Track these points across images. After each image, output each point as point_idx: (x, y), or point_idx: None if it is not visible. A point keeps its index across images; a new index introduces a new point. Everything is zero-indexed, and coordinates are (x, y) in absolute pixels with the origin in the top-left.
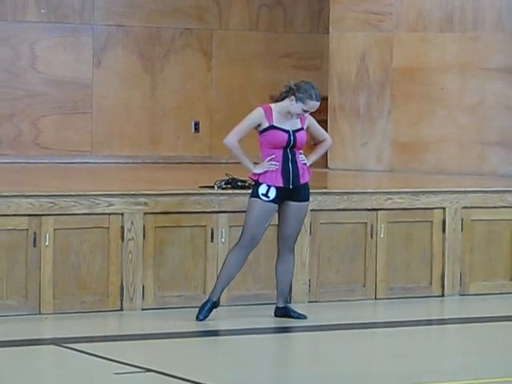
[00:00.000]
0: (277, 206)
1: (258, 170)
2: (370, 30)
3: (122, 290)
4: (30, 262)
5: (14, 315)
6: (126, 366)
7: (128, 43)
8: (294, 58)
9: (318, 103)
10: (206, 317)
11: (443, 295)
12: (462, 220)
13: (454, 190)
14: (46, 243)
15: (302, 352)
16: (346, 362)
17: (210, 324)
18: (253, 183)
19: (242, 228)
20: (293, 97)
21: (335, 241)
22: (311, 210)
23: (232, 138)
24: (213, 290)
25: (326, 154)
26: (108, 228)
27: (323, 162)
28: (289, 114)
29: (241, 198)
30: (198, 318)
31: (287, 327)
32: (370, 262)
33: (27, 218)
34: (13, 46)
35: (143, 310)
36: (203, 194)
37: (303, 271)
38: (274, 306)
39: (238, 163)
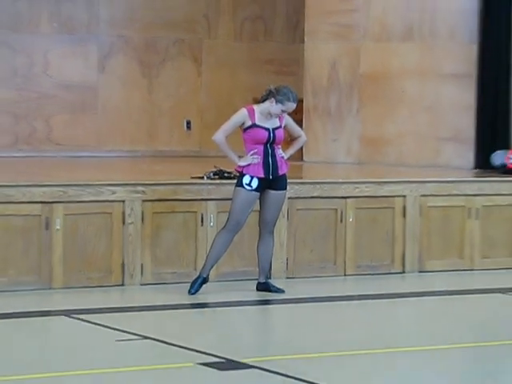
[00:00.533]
0: (258, 194)
1: (242, 163)
2: (340, 40)
3: (124, 267)
4: (43, 243)
5: (28, 290)
6: (127, 334)
7: (128, 51)
8: (273, 64)
9: (295, 104)
10: (197, 291)
11: (404, 272)
12: (420, 206)
13: (413, 180)
14: (57, 227)
15: (281, 321)
16: (320, 330)
17: (200, 297)
18: (237, 174)
19: (228, 214)
20: (273, 99)
21: (309, 225)
22: (288, 198)
23: (219, 135)
24: (203, 268)
25: (302, 148)
26: (111, 213)
27: (299, 155)
28: (269, 114)
29: (227, 188)
30: (189, 292)
31: (268, 300)
32: (339, 243)
33: (40, 204)
34: (28, 54)
35: (142, 285)
36: (194, 183)
37: (281, 251)
38: (256, 282)
39: (225, 157)
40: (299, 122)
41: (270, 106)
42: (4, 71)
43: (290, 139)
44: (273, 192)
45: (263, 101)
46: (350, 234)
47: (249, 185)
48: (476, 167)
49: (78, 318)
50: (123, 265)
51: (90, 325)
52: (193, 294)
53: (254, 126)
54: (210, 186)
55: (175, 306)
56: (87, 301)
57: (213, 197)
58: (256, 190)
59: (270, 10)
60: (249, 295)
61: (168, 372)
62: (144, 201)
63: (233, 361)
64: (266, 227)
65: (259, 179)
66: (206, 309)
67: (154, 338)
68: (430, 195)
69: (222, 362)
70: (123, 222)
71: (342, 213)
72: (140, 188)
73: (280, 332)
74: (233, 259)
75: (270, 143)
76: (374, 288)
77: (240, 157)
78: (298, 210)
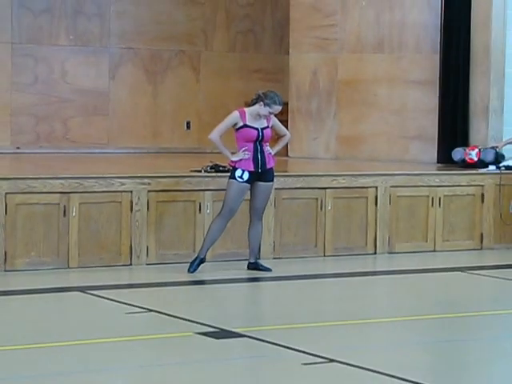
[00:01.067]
0: (249, 185)
1: (235, 158)
2: (320, 51)
3: (131, 249)
4: (61, 228)
5: (48, 269)
6: (134, 308)
7: (136, 61)
8: (262, 72)
9: (281, 107)
10: (195, 270)
11: (375, 253)
12: (390, 196)
13: (383, 173)
14: (73, 214)
15: (269, 296)
16: (303, 303)
17: (198, 275)
18: (231, 168)
19: (222, 202)
20: (261, 102)
21: (294, 212)
22: (275, 189)
23: (215, 134)
24: (200, 249)
25: (287, 145)
26: (120, 202)
27: (284, 151)
28: (258, 116)
29: (222, 180)
30: (189, 271)
31: (257, 277)
32: (320, 228)
33: (59, 194)
34: (48, 63)
35: (147, 264)
36: (193, 176)
37: (269, 235)
38: (247, 262)
39: (220, 153)
40: (285, 123)
41: (259, 108)
42: (27, 78)
43: (277, 137)
44: (261, 183)
45: (253, 104)
46: (328, 220)
47: (241, 177)
48: (438, 162)
49: (92, 294)
50: (131, 247)
51: (102, 299)
52: (192, 272)
53: (245, 126)
54: (206, 179)
55: (176, 283)
56: (100, 278)
57: (209, 188)
58: (247, 181)
59: (259, 25)
60: (240, 273)
61: (170, 340)
62: (149, 191)
63: (227, 330)
64: (255, 214)
65: (250, 172)
66: (203, 285)
67: (158, 311)
68: (399, 186)
69: (218, 332)
70: (131, 210)
71: (321, 202)
72: (146, 180)
73: (268, 305)
74: (226, 242)
75: (259, 141)
76: (349, 267)
77: (233, 153)
78: (283, 199)
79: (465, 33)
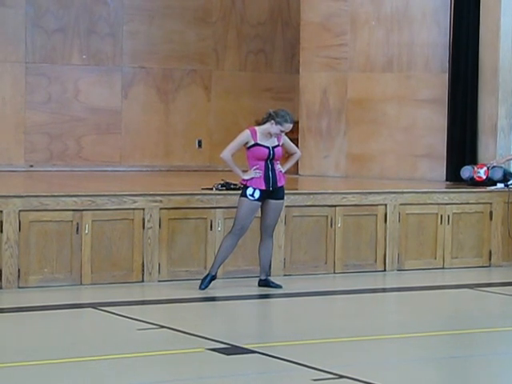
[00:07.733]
0: (260, 203)
1: (246, 177)
2: (330, 70)
3: (143, 266)
4: (74, 245)
5: (61, 285)
6: (146, 324)
7: (148, 80)
8: (273, 91)
9: (292, 125)
10: (206, 287)
11: (385, 270)
12: (399, 213)
13: (393, 191)
14: (86, 231)
15: (279, 313)
16: (313, 319)
17: (209, 292)
18: (242, 186)
19: (233, 220)
20: (273, 121)
21: (304, 229)
22: (286, 206)
23: (226, 153)
24: (212, 266)
25: (297, 163)
26: (133, 220)
27: (295, 169)
28: (269, 134)
29: (233, 197)
30: (200, 288)
31: (268, 294)
32: (330, 245)
33: (72, 212)
34: (61, 82)
35: (159, 281)
36: (204, 194)
37: (280, 252)
38: (258, 279)
39: (231, 171)
40: (295, 141)
41: (270, 127)
42: (41, 97)
43: (287, 155)
44: (272, 201)
45: (264, 123)
46: (338, 238)
47: (252, 195)
48: (447, 180)
49: (104, 310)
50: (143, 264)
51: (114, 316)
52: (203, 289)
53: (256, 144)
54: (218, 196)
55: (188, 300)
56: (112, 295)
57: (220, 205)
58: (258, 199)
59: (270, 44)
60: (251, 290)
61: (181, 356)
62: (161, 209)
63: (237, 346)
64: (266, 231)
65: (261, 190)
66: (214, 302)
67: (170, 327)
68: (408, 204)
69: (228, 348)
70: (143, 227)
71: (331, 219)
72: (158, 198)
73: (278, 322)
74: (237, 259)
75: (270, 159)
76: (359, 284)
77: (244, 171)
78: (293, 216)
79: (473, 52)
